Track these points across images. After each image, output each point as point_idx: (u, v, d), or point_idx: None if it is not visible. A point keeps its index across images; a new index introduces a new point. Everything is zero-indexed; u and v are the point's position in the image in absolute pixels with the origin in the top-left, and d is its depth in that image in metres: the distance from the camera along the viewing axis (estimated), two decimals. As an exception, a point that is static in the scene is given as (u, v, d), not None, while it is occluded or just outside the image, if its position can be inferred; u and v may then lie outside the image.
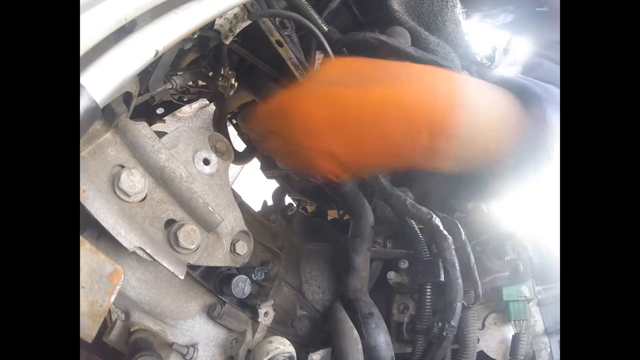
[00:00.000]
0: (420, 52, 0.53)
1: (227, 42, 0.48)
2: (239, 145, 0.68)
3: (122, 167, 0.39)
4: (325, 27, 0.54)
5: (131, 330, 0.43)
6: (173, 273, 0.40)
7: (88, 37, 0.27)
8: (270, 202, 0.69)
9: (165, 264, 0.40)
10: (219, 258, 0.45)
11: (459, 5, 0.58)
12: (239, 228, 0.46)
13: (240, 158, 0.69)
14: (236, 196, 0.54)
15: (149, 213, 0.40)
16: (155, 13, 0.36)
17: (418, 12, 0.57)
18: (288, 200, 0.73)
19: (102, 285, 0.30)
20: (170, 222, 0.41)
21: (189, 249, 0.41)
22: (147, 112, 0.56)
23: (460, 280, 0.49)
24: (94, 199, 0.36)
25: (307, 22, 0.48)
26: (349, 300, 0.51)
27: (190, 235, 0.41)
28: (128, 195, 0.39)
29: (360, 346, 0.46)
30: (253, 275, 0.49)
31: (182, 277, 0.40)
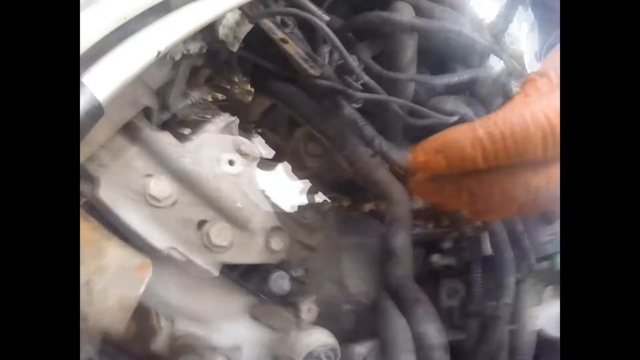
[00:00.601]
0: (425, 21, 0.52)
1: (235, 49, 0.50)
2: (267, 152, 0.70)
3: (151, 175, 0.41)
4: (326, 17, 0.54)
5: (176, 336, 0.44)
6: (208, 271, 0.41)
7: (88, 36, 0.27)
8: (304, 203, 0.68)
9: (199, 262, 0.41)
10: (254, 255, 0.45)
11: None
12: (272, 224, 0.46)
13: (268, 165, 0.70)
14: (267, 198, 0.54)
15: (181, 216, 0.42)
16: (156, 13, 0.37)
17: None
18: (322, 198, 0.73)
19: (130, 278, 0.31)
20: (202, 223, 0.42)
21: (222, 247, 0.42)
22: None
23: (510, 252, 0.44)
24: (126, 207, 0.39)
25: (306, 15, 0.48)
26: (394, 287, 0.49)
27: (221, 232, 0.42)
28: (159, 201, 0.41)
29: (409, 335, 0.43)
30: (293, 272, 0.49)
31: (216, 274, 0.41)
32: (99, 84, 0.27)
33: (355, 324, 0.52)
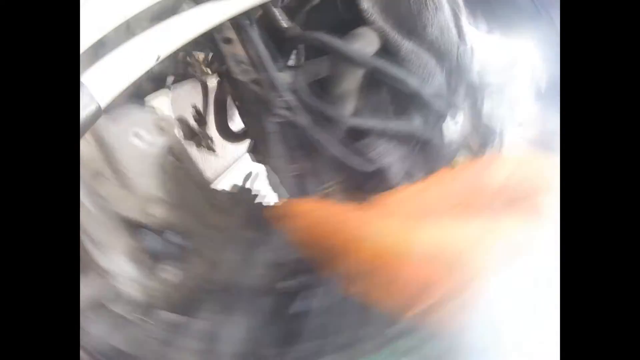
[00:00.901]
0: (369, 58, 0.49)
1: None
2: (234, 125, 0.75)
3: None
4: (286, 24, 0.53)
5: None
6: (92, 211, 0.53)
7: (87, 36, 0.29)
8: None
9: (87, 203, 0.53)
10: (132, 212, 0.55)
11: (447, 10, 0.47)
12: (156, 193, 0.55)
13: (235, 137, 0.76)
14: (196, 174, 0.62)
15: (89, 167, 0.53)
16: (155, 17, 0.42)
17: (397, 14, 0.50)
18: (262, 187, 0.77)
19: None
20: (98, 175, 0.53)
21: (105, 197, 0.53)
22: (159, 82, 0.69)
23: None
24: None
25: (245, 25, 0.49)
26: (239, 290, 0.54)
27: (107, 187, 0.52)
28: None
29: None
30: (167, 235, 0.58)
31: (94, 212, 0.53)
32: (98, 87, 0.29)
33: (211, 305, 0.60)
